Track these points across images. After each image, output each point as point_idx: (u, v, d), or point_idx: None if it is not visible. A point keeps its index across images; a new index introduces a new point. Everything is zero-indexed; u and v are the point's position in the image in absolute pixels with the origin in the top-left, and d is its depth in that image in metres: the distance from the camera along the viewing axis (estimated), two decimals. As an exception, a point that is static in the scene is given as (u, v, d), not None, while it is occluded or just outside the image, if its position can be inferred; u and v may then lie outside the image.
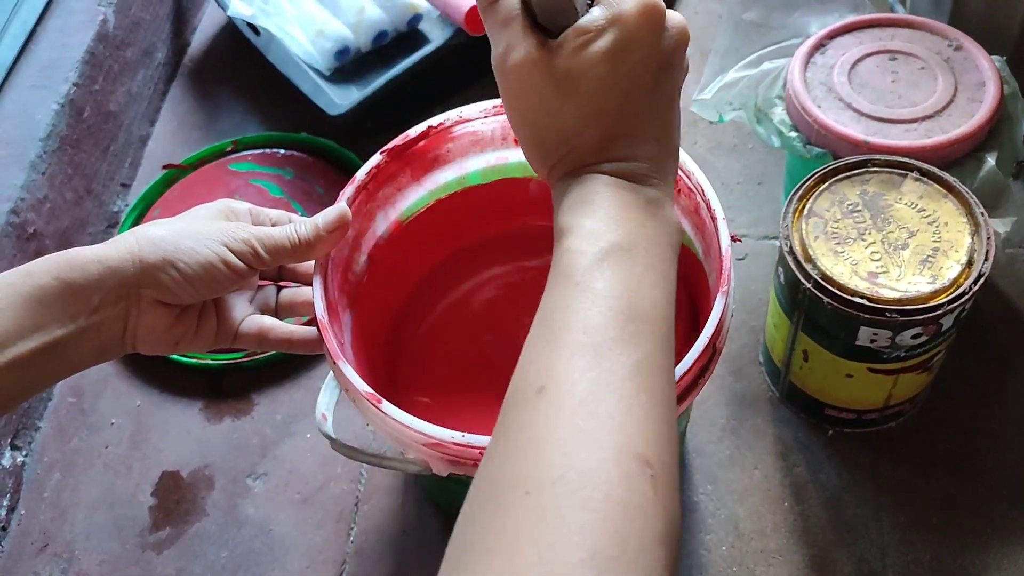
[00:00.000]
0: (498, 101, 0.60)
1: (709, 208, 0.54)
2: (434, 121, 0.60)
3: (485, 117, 0.60)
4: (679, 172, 0.57)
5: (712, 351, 0.49)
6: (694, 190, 0.55)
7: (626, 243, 0.38)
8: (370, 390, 0.49)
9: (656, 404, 0.35)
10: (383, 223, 0.61)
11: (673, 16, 0.40)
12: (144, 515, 0.71)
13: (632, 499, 0.32)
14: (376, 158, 0.59)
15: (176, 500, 0.71)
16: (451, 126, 0.60)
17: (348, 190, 0.57)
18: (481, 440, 0.47)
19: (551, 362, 0.35)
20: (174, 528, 0.70)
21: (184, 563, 0.68)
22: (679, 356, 0.50)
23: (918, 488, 0.67)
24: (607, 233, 0.38)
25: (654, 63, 0.39)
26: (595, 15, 0.39)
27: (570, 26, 0.39)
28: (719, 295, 0.50)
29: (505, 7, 0.40)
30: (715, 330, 0.49)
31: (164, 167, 0.88)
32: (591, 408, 0.33)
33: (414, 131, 0.59)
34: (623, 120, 0.40)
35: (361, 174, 0.58)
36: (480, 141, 0.62)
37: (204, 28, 1.03)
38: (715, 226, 0.53)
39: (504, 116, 0.61)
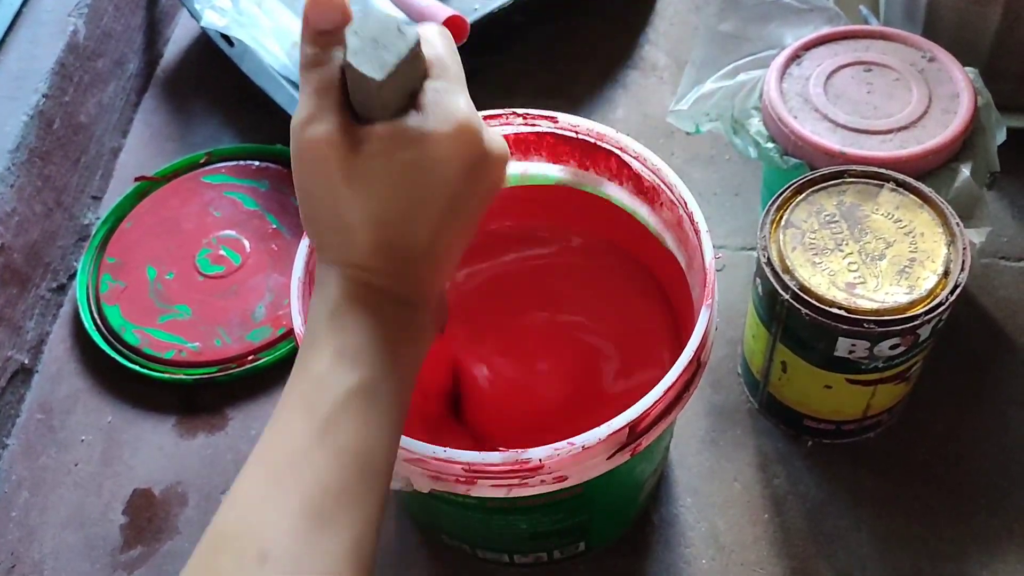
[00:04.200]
0: (483, 113, 0.59)
1: (692, 221, 0.53)
2: (411, 132, 0.59)
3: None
4: (661, 185, 0.56)
5: (697, 365, 0.49)
6: (676, 203, 0.55)
7: (375, 381, 0.37)
8: (348, 405, 0.48)
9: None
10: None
11: (494, 144, 0.38)
12: (115, 534, 0.69)
13: None
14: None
15: (148, 518, 0.70)
16: (428, 138, 0.59)
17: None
18: (464, 456, 0.46)
19: (278, 525, 0.34)
20: (146, 547, 0.68)
21: (157, 582, 0.67)
22: (657, 368, 0.50)
23: (897, 498, 0.67)
24: (359, 366, 0.37)
25: (454, 189, 0.37)
26: (408, 123, 0.36)
27: (378, 120, 0.36)
28: (703, 308, 0.50)
29: (325, 75, 0.37)
30: (700, 344, 0.48)
31: (136, 179, 0.87)
32: None
33: (391, 142, 0.59)
34: (405, 236, 0.38)
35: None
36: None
37: (177, 39, 1.02)
38: (698, 239, 0.53)
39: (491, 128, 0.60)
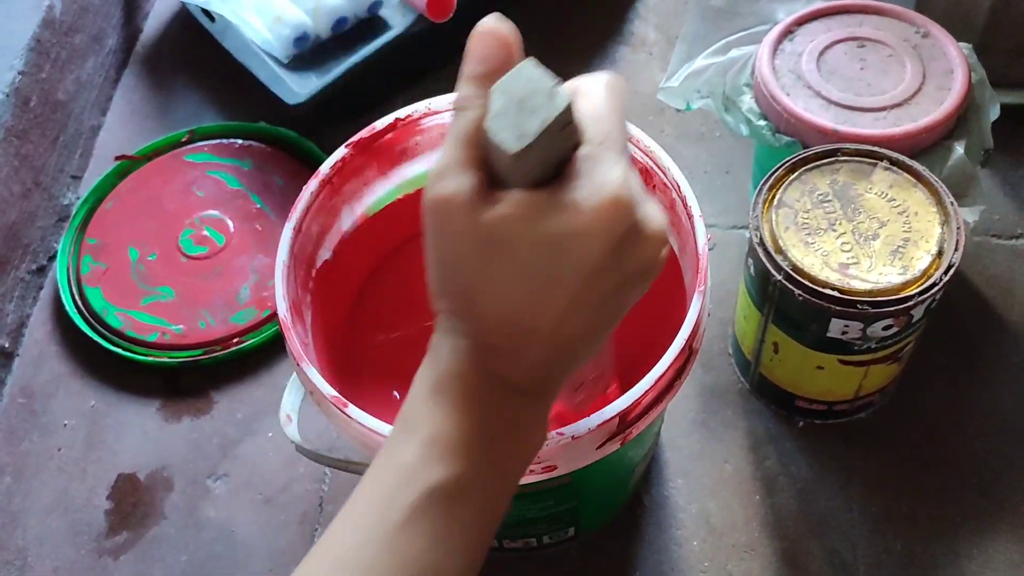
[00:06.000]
0: None
1: (685, 205, 0.52)
2: (401, 113, 0.58)
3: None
4: (654, 167, 0.55)
5: (689, 352, 0.48)
6: (670, 186, 0.54)
7: (465, 479, 0.34)
8: (335, 394, 0.47)
9: None
10: (348, 219, 0.59)
11: (650, 220, 0.33)
12: (100, 519, 0.68)
13: None
14: (341, 151, 0.57)
15: (133, 503, 0.69)
16: (419, 118, 0.58)
17: (312, 184, 0.55)
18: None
19: None
20: (131, 532, 0.68)
21: (142, 568, 0.66)
22: (646, 353, 0.49)
23: (888, 478, 0.67)
24: (450, 460, 0.34)
25: (594, 268, 0.33)
26: (549, 194, 0.32)
27: (517, 187, 0.32)
28: (696, 294, 0.49)
29: (472, 124, 0.33)
30: (692, 331, 0.47)
31: (117, 158, 0.85)
32: None
33: (381, 123, 0.57)
34: (532, 317, 0.34)
35: (325, 168, 0.56)
36: (448, 133, 0.60)
37: (157, 13, 1.00)
38: (691, 223, 0.52)
39: None
